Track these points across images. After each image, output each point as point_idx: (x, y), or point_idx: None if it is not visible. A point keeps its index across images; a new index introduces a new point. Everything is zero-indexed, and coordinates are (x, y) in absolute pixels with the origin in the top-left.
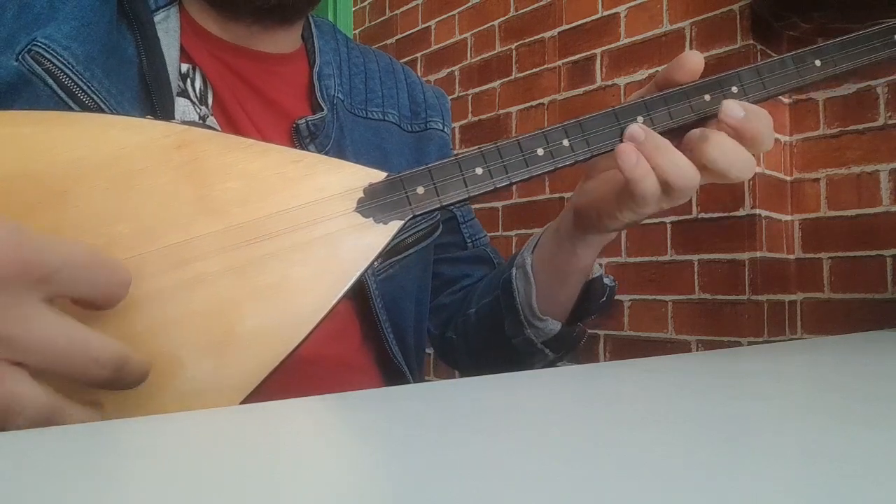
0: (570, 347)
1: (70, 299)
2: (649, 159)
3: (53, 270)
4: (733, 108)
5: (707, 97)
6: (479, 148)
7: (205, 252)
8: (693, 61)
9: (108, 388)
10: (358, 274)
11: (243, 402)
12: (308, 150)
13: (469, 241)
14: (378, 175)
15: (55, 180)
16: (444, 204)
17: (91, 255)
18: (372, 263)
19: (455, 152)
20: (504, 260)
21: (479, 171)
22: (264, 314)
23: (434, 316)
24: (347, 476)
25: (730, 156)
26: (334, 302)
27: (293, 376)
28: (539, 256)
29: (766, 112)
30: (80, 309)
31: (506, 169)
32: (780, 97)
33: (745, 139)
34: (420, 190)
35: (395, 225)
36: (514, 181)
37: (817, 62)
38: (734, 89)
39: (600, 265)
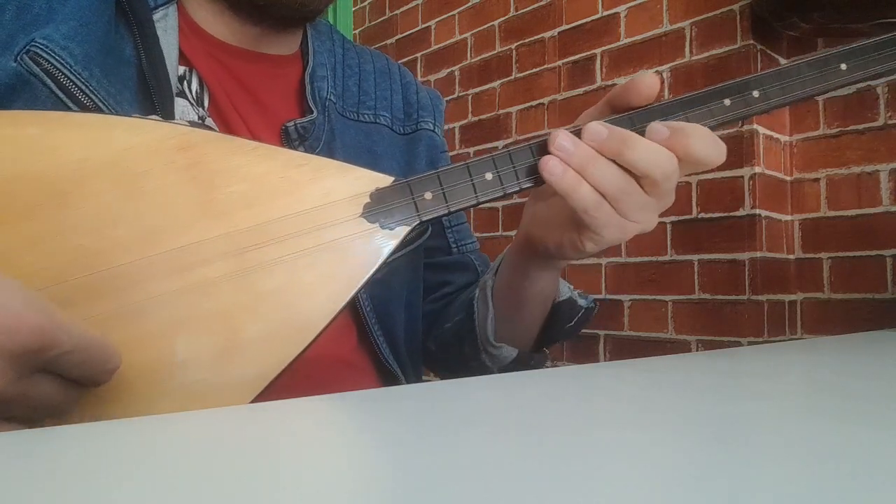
0: None
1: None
2: (581, 170)
3: (63, 352)
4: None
5: (727, 101)
6: (490, 154)
7: (209, 256)
8: (647, 84)
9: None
10: (364, 280)
11: None
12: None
13: (454, 245)
14: (385, 180)
15: (58, 181)
16: (453, 210)
17: (97, 343)
18: (378, 269)
19: (455, 153)
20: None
21: (488, 176)
22: (269, 319)
23: None
24: (347, 476)
25: (654, 157)
26: (339, 308)
27: (292, 376)
28: (498, 281)
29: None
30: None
31: (517, 174)
32: None
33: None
34: (428, 195)
35: (402, 231)
36: (524, 187)
37: (843, 66)
38: (755, 94)
39: (571, 287)
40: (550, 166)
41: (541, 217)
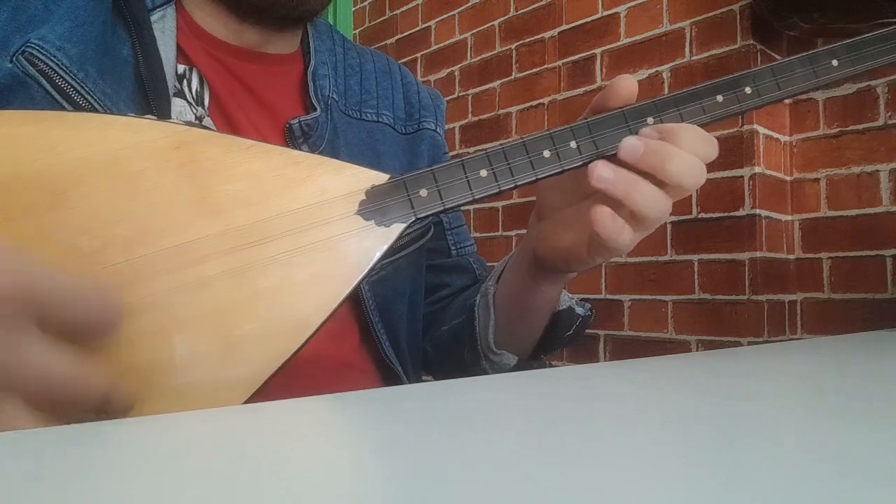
0: None
1: (64, 329)
2: (625, 198)
3: (47, 296)
4: (632, 146)
5: (720, 98)
6: (485, 151)
7: (205, 255)
8: (626, 87)
9: (92, 416)
10: (359, 277)
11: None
12: (301, 150)
13: (454, 248)
14: (380, 177)
15: (54, 181)
16: (448, 207)
17: (86, 286)
18: (374, 267)
19: (455, 153)
20: (487, 272)
21: (483, 173)
22: (265, 318)
23: None
24: (347, 476)
25: (690, 168)
26: (335, 306)
27: (293, 375)
28: (502, 289)
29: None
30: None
31: (511, 171)
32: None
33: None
34: (423, 192)
35: (398, 228)
36: (519, 184)
37: (834, 62)
38: (748, 90)
39: (570, 296)
40: (600, 216)
41: (547, 235)
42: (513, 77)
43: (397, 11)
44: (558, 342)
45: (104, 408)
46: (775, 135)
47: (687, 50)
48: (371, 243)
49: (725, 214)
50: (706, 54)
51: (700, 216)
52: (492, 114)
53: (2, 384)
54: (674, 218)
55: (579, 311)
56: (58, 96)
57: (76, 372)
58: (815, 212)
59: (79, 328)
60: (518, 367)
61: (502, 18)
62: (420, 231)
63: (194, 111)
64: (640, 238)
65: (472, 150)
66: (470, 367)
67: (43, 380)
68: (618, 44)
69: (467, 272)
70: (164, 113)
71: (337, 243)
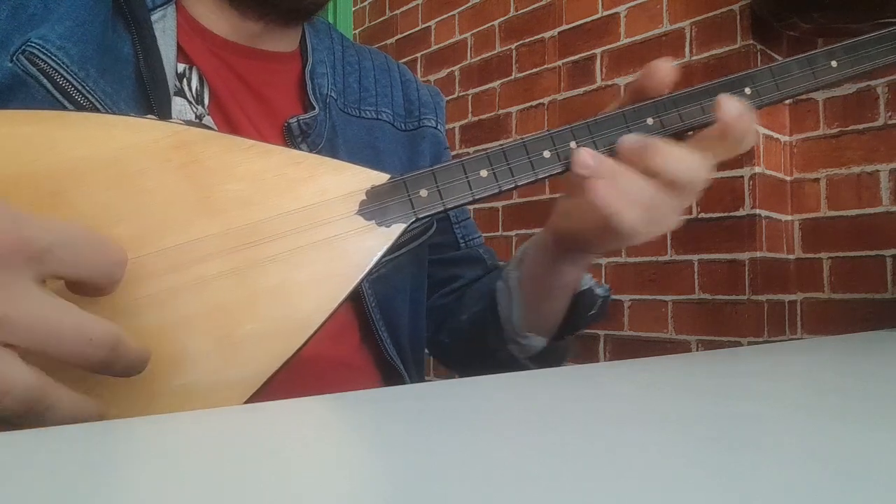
0: (555, 363)
1: (64, 280)
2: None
3: (46, 248)
4: (732, 105)
5: None
6: (486, 151)
7: (205, 254)
8: (664, 70)
9: (105, 373)
10: (360, 277)
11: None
12: (300, 149)
13: (462, 241)
14: (381, 177)
15: (54, 180)
16: (448, 207)
17: (84, 234)
18: (374, 267)
19: (455, 153)
20: (499, 261)
21: (483, 173)
22: (265, 317)
23: (426, 318)
24: (347, 476)
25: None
26: (335, 306)
27: (294, 376)
28: (525, 272)
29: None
30: (78, 296)
31: (511, 171)
32: None
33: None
34: (423, 193)
35: (398, 228)
36: (519, 184)
37: (833, 63)
38: (747, 90)
39: (590, 276)
40: (596, 189)
41: (568, 213)
42: (513, 77)
43: (397, 11)
44: (582, 321)
45: (112, 360)
46: (775, 135)
47: (687, 50)
48: (372, 243)
49: (725, 214)
50: (706, 54)
51: (700, 216)
52: (492, 114)
53: (0, 337)
54: None
55: (598, 291)
56: (59, 95)
57: (78, 322)
58: (815, 212)
59: (81, 278)
60: (550, 349)
61: (502, 18)
62: (421, 228)
63: (194, 110)
64: (655, 234)
65: (472, 150)
66: (495, 354)
67: (43, 330)
68: (618, 44)
69: (478, 262)
70: (164, 112)
71: (338, 243)
